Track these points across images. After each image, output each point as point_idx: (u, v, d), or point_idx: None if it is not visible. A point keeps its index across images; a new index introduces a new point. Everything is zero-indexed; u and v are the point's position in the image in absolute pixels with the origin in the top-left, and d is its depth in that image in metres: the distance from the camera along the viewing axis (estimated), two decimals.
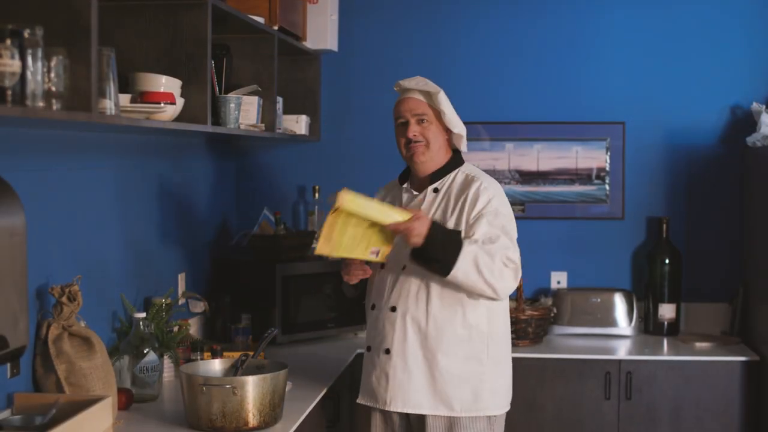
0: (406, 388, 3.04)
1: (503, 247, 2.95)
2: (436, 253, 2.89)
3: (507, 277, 2.94)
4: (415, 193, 3.16)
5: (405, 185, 3.19)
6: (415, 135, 3.07)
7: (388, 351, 3.06)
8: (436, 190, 3.12)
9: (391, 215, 2.88)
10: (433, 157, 3.10)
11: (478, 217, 2.99)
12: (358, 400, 3.16)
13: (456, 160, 3.16)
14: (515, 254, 2.97)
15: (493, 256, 2.91)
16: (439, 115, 3.08)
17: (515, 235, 3.05)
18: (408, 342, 3.04)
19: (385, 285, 3.10)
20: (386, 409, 3.08)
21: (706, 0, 4.44)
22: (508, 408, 3.15)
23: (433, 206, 3.09)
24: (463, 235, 2.98)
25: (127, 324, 3.24)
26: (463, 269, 2.89)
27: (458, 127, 3.11)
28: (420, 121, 3.08)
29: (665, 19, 4.46)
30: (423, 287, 3.04)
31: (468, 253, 2.88)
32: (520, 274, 2.99)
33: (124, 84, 2.78)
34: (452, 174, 3.13)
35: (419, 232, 2.86)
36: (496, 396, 3.10)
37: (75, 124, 2.53)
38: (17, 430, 2.42)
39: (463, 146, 3.16)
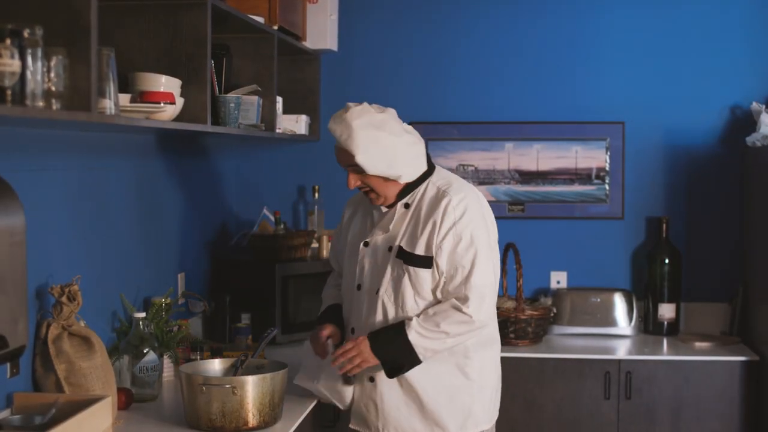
0: (396, 415, 2.98)
1: (455, 288, 2.87)
2: (395, 358, 2.87)
3: (462, 320, 2.86)
4: (384, 209, 3.01)
5: None
6: (357, 185, 2.95)
7: (372, 379, 2.98)
8: (406, 206, 2.98)
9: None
10: (389, 196, 2.96)
11: (440, 246, 2.87)
12: (351, 425, 3.08)
13: (425, 172, 3.00)
14: (473, 282, 2.86)
15: (438, 322, 2.85)
16: None
17: (483, 251, 2.89)
18: None
19: (362, 310, 3.00)
20: None
21: (706, 0, 4.44)
22: (497, 415, 3.10)
23: (404, 222, 2.96)
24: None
25: (127, 324, 3.24)
26: (429, 349, 2.87)
27: (395, 171, 2.91)
28: (355, 171, 2.91)
29: (665, 19, 4.46)
30: (399, 311, 2.93)
31: (419, 341, 2.85)
32: (482, 298, 2.88)
33: (123, 84, 2.78)
34: (422, 186, 2.98)
35: (365, 356, 2.87)
36: (486, 409, 3.03)
37: (75, 124, 2.53)
38: (17, 430, 2.42)
39: (410, 177, 2.96)
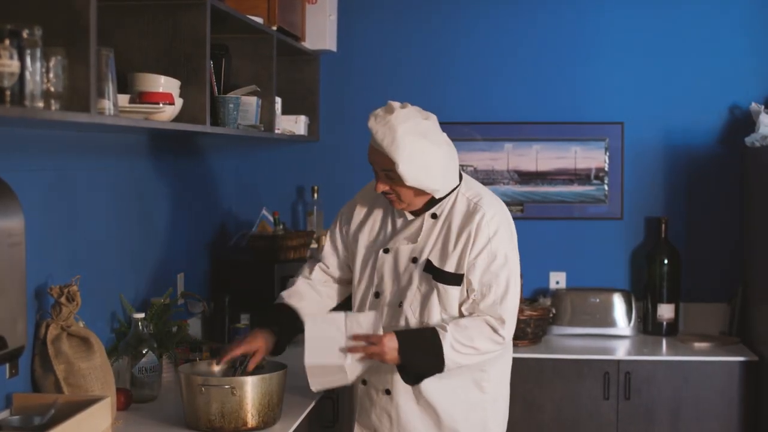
0: (411, 429, 2.91)
1: (488, 307, 2.79)
2: (420, 365, 2.76)
3: (495, 340, 2.79)
4: (410, 217, 2.89)
5: None
6: (385, 190, 2.81)
7: (388, 392, 2.91)
8: (434, 216, 2.86)
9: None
10: (412, 203, 2.84)
11: (474, 263, 2.79)
12: None
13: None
14: (507, 304, 2.80)
15: (473, 337, 2.76)
16: None
17: (514, 271, 2.85)
18: (410, 385, 2.87)
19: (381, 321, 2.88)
20: None
21: (706, 0, 4.44)
22: (506, 424, 3.05)
23: (433, 234, 2.85)
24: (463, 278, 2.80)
25: (126, 324, 3.24)
26: (456, 362, 2.77)
27: (433, 185, 2.78)
28: (388, 176, 2.78)
29: (664, 19, 4.46)
30: (421, 324, 2.85)
31: (451, 353, 2.74)
32: (513, 320, 2.83)
33: (123, 84, 2.78)
34: (452, 197, 2.86)
35: (387, 356, 2.73)
36: (499, 422, 3.00)
37: (74, 124, 2.53)
38: (16, 431, 2.42)
39: (444, 191, 2.84)
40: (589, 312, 4.31)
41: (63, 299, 2.70)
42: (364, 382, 2.97)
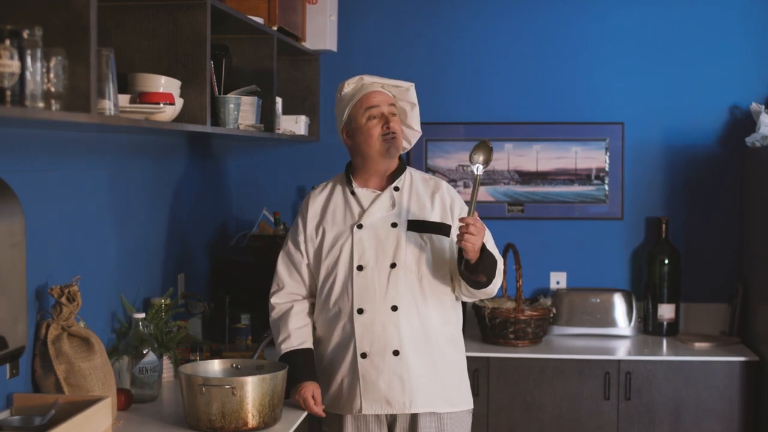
0: (424, 388, 3.01)
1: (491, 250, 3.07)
2: (486, 266, 2.95)
3: (502, 276, 3.13)
4: (377, 191, 3.12)
5: (355, 186, 3.14)
6: (394, 126, 3.07)
7: (396, 352, 3.00)
8: (396, 188, 3.12)
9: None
10: (399, 152, 3.14)
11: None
12: (365, 411, 3.02)
13: (402, 160, 3.20)
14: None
15: (502, 272, 3.11)
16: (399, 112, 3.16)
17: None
18: (416, 340, 3.01)
19: (375, 286, 3.01)
20: (406, 412, 3.02)
21: (706, 0, 4.44)
22: None
23: (403, 201, 3.09)
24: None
25: (127, 324, 3.24)
26: (494, 282, 3.04)
27: (418, 122, 3.19)
28: (393, 114, 3.10)
29: (665, 19, 4.46)
30: (415, 283, 3.03)
31: (499, 271, 3.06)
32: None
33: (123, 84, 2.78)
34: (405, 174, 3.15)
35: (479, 240, 2.89)
36: (468, 387, 3.20)
37: (74, 125, 2.53)
38: (17, 431, 2.42)
39: (410, 144, 3.23)
40: (590, 312, 4.31)
41: (63, 299, 2.70)
42: (364, 356, 3.01)
